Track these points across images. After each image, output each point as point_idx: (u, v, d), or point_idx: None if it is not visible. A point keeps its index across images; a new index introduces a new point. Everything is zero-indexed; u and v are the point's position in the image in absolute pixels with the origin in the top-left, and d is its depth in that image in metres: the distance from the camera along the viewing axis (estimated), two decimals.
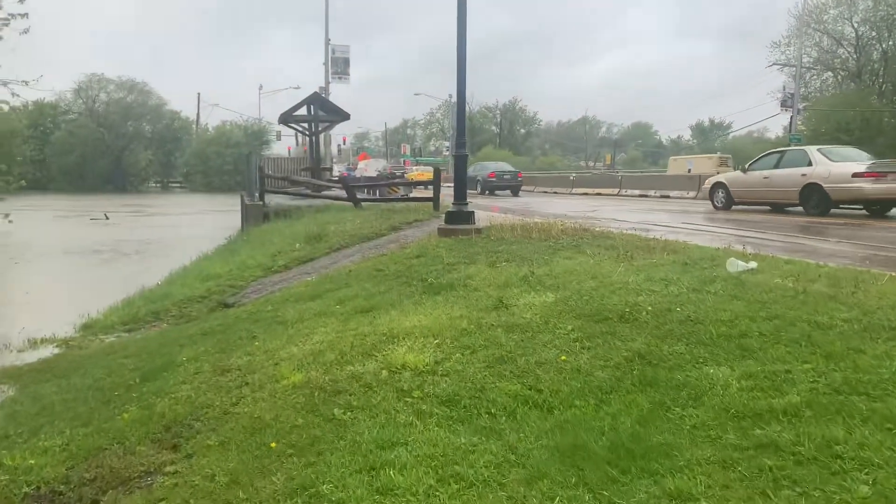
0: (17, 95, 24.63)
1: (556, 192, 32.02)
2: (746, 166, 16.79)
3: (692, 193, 25.36)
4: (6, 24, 22.82)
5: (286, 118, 21.93)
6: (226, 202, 33.26)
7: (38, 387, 6.35)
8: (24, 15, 23.39)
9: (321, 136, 31.30)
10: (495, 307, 5.51)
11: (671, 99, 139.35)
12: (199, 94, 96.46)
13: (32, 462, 4.08)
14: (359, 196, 16.56)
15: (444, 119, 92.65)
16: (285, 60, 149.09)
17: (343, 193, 16.53)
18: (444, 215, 11.82)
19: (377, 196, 18.04)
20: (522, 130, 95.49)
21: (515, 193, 30.21)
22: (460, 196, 10.14)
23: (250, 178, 17.67)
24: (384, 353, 4.77)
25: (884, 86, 47.21)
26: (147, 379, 5.64)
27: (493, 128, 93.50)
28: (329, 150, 32.85)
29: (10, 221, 24.26)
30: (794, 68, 47.84)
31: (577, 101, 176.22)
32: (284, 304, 7.45)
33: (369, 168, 64.62)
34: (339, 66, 29.44)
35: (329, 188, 17.79)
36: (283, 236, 13.20)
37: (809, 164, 14.82)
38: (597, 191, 30.26)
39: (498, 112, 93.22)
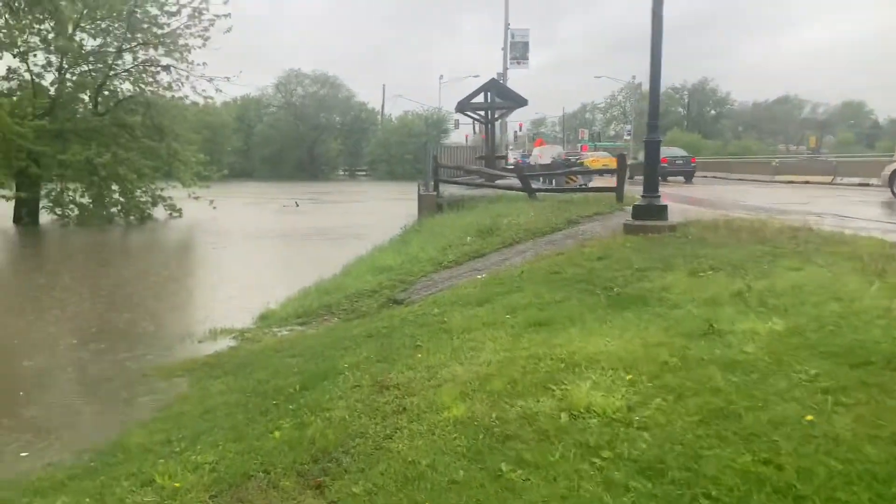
0: (220, 91, 27.09)
1: (754, 180, 28.82)
2: None
3: None
4: (211, 25, 24.93)
5: (462, 106, 21.64)
6: (405, 190, 34.01)
7: (208, 383, 6.31)
8: (227, 15, 25.58)
9: (497, 123, 30.88)
10: (704, 333, 4.42)
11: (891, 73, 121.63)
12: (384, 85, 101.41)
13: (178, 485, 3.77)
14: (533, 186, 15.72)
15: (626, 102, 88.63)
16: (468, 49, 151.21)
17: (517, 183, 15.78)
18: (629, 209, 10.66)
19: (553, 186, 17.10)
20: (713, 112, 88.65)
21: (688, 180, 28.96)
22: (651, 187, 8.93)
23: (426, 168, 17.52)
24: (563, 386, 3.92)
25: None
26: (306, 387, 5.28)
27: (681, 110, 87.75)
28: (505, 137, 32.27)
29: (214, 208, 26.65)
30: None
31: (774, 79, 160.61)
32: (451, 307, 6.84)
33: (544, 155, 63.40)
34: (517, 50, 28.68)
35: (502, 177, 17.13)
36: (454, 228, 12.75)
37: None
38: (805, 179, 26.72)
39: (686, 93, 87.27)
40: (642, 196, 9.00)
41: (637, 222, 8.80)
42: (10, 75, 23.66)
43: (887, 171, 16.79)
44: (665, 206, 8.86)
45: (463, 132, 70.77)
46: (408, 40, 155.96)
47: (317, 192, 47.38)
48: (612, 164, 48.75)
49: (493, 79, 20.98)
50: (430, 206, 16.16)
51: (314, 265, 13.38)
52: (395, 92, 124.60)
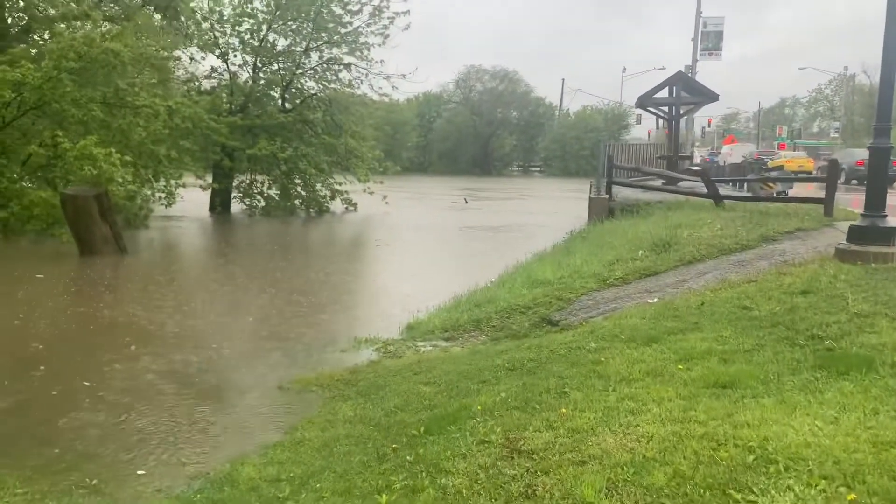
0: (397, 88, 27.54)
1: None
2: None
3: None
4: (391, 22, 25.38)
5: (644, 101, 19.94)
6: (578, 188, 32.64)
7: (338, 405, 5.86)
8: (406, 12, 25.93)
9: (683, 120, 28.49)
10: None
11: None
12: (563, 79, 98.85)
13: None
14: (722, 192, 13.92)
15: (835, 96, 79.18)
16: (655, 40, 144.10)
17: (701, 188, 14.05)
18: (840, 226, 8.86)
19: (745, 193, 15.05)
20: None
21: (891, 184, 22.88)
22: (876, 203, 7.18)
23: (599, 168, 16.25)
24: (751, 496, 2.85)
25: None
26: (430, 431, 4.59)
27: None
28: (691, 134, 29.71)
29: (386, 203, 27.26)
30: None
31: None
32: (611, 343, 5.83)
33: (734, 153, 58.51)
34: (710, 41, 26.10)
35: (684, 181, 15.41)
36: (625, 238, 11.50)
37: None
38: None
39: None
40: (863, 214, 7.27)
41: (854, 247, 7.12)
42: (212, 74, 25.79)
43: None
44: (893, 229, 7.08)
45: (645, 128, 67.29)
46: (591, 32, 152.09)
47: (489, 188, 47.33)
48: (809, 165, 43.28)
49: (681, 72, 19.05)
50: (601, 210, 14.92)
51: (472, 269, 12.84)
52: (575, 86, 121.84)
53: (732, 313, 5.93)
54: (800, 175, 33.89)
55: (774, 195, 14.01)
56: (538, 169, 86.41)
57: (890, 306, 5.24)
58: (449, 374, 6.17)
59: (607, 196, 15.33)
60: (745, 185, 16.04)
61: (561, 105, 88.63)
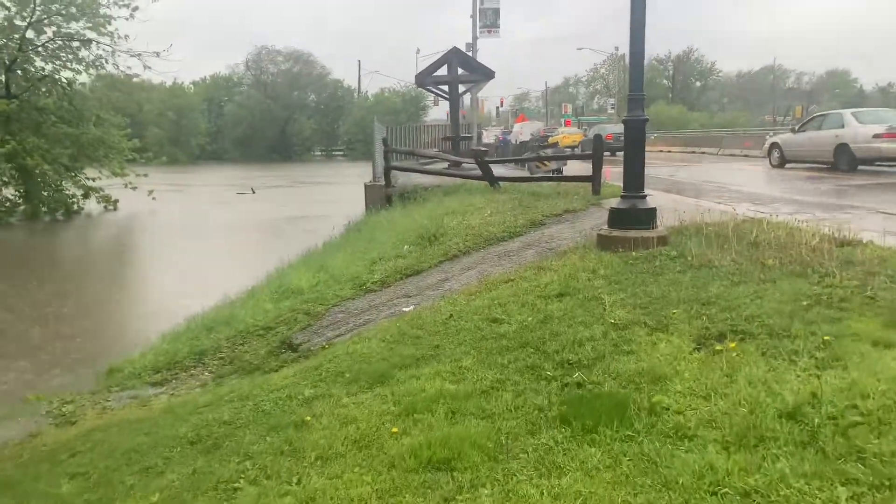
0: (150, 67, 24.24)
1: (746, 156, 26.41)
2: (797, 128, 19.48)
3: None
4: None
5: (422, 79, 18.93)
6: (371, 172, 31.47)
7: None
8: None
9: (468, 99, 28.28)
10: None
11: (877, 41, 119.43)
12: (359, 61, 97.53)
13: None
14: (504, 172, 13.29)
15: (609, 74, 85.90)
16: (450, 20, 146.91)
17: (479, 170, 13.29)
18: (607, 204, 8.30)
19: (525, 173, 14.61)
20: (698, 83, 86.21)
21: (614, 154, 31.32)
22: (634, 184, 6.51)
23: (374, 152, 14.90)
24: None
25: None
26: None
27: (665, 82, 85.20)
28: (476, 113, 29.68)
29: (153, 198, 24.00)
30: None
31: (762, 49, 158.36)
32: (331, 386, 4.45)
33: (524, 131, 60.75)
34: (488, 18, 25.93)
35: (464, 163, 14.62)
36: (394, 231, 10.31)
37: (842, 126, 16.55)
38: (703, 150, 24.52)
39: (670, 64, 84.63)
40: (622, 196, 6.58)
41: (615, 232, 6.40)
42: None
43: (767, 144, 20.25)
44: (653, 210, 6.46)
45: (444, 109, 67.85)
46: (385, 13, 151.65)
47: (284, 175, 44.67)
48: (580, 139, 46.52)
49: (456, 47, 18.25)
50: (378, 198, 13.67)
51: (232, 275, 10.97)
52: (372, 68, 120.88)
53: (479, 330, 4.81)
54: (574, 151, 36.82)
55: (551, 174, 13.62)
56: (341, 153, 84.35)
57: (648, 311, 4.38)
58: (113, 453, 4.42)
59: (383, 183, 14.08)
60: (527, 165, 15.69)
61: (360, 88, 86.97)
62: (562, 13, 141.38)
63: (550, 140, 49.21)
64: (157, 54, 21.81)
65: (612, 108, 75.99)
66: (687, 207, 8.71)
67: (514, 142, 64.19)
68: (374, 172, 14.48)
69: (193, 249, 15.77)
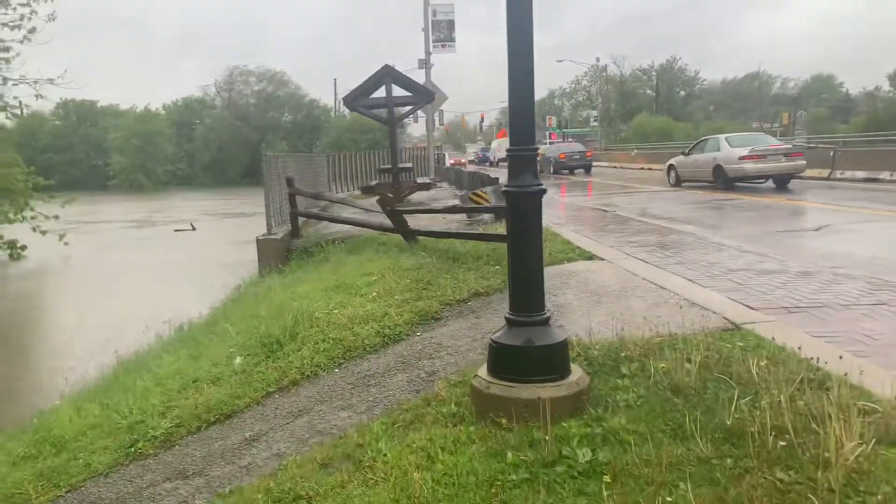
0: (42, 97, 21.52)
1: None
2: (687, 151, 21.30)
3: None
4: (32, 13, 19.43)
5: (352, 102, 16.19)
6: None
7: None
8: None
9: (425, 118, 25.70)
10: None
11: (863, 44, 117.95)
12: (335, 79, 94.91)
13: None
14: (422, 221, 10.62)
15: (592, 86, 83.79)
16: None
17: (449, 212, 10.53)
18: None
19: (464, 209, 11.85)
20: (682, 93, 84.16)
21: (588, 171, 34.09)
22: (527, 297, 3.81)
23: (266, 193, 11.95)
24: None
25: None
26: None
27: (650, 92, 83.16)
28: (431, 136, 27.06)
29: (65, 244, 21.26)
30: None
31: (748, 55, 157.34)
32: None
33: (502, 148, 58.45)
34: (442, 31, 23.37)
35: (369, 211, 11.87)
36: (251, 320, 7.57)
37: (718, 149, 19.02)
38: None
39: (654, 74, 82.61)
40: (509, 320, 3.85)
41: (495, 387, 3.70)
42: None
43: (666, 165, 22.28)
44: (562, 347, 3.76)
45: (423, 125, 65.44)
46: (362, 29, 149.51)
47: (246, 202, 41.84)
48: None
49: (388, 66, 15.47)
50: (274, 255, 10.91)
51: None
52: (349, 86, 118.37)
53: None
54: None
55: (492, 210, 10.82)
56: None
57: None
58: None
59: (287, 233, 11.32)
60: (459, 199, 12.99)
61: (336, 106, 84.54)
62: (555, 27, 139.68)
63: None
64: (52, 81, 19.12)
65: (595, 119, 73.73)
66: (639, 288, 6.05)
67: (492, 159, 61.82)
68: (267, 221, 11.70)
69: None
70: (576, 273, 7.33)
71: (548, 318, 3.82)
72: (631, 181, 25.79)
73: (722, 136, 20.08)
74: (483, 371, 3.91)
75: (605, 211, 14.48)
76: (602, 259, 8.04)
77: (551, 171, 34.38)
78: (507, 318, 3.85)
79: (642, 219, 12.65)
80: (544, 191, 3.82)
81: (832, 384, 3.41)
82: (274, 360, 5.99)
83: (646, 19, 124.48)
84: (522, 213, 3.79)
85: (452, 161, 45.30)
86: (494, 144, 63.61)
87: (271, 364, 5.88)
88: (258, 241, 11.26)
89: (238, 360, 6.16)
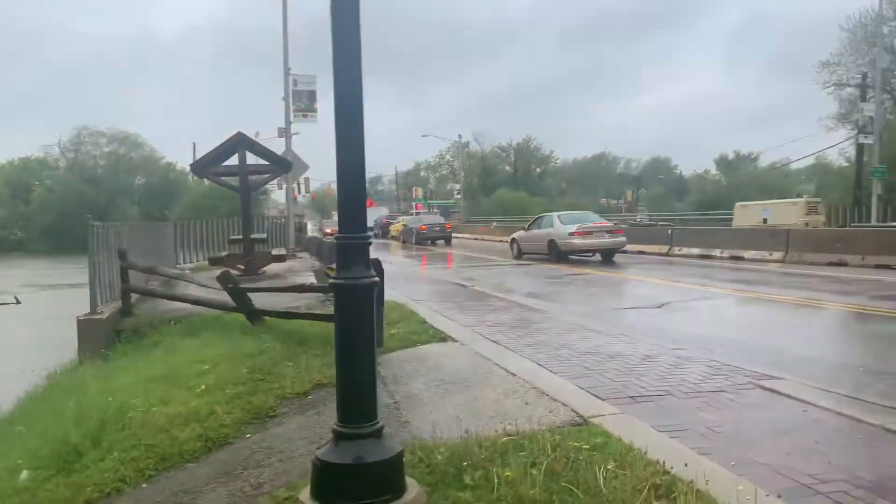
0: None
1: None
2: (528, 226, 22.78)
3: (777, 254, 18.40)
4: None
5: (201, 169, 15.31)
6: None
7: None
8: None
9: (284, 187, 24.99)
10: None
11: (699, 132, 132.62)
12: (193, 143, 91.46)
13: None
14: (269, 299, 9.91)
15: (455, 160, 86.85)
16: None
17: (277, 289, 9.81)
18: (382, 374, 5.15)
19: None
20: (538, 170, 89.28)
21: (448, 243, 35.46)
22: (356, 405, 3.35)
23: (91, 265, 10.70)
24: None
25: None
26: None
27: (508, 168, 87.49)
28: (292, 206, 26.41)
29: None
30: (853, 90, 41.06)
31: (600, 138, 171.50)
32: None
33: (368, 218, 57.92)
34: (302, 101, 23.13)
35: (214, 287, 11.01)
36: (57, 419, 6.49)
37: (552, 225, 20.83)
38: (638, 248, 23.37)
39: (512, 151, 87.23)
40: (336, 432, 3.36)
41: None
42: None
43: (509, 239, 24.27)
44: (396, 462, 3.32)
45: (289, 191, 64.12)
46: (229, 94, 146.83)
47: (85, 271, 38.31)
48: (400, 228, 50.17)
49: (241, 133, 14.86)
50: (99, 338, 9.69)
51: None
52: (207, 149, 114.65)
53: None
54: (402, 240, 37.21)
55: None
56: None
57: None
58: None
59: (103, 314, 10.10)
60: (319, 276, 12.45)
61: None
62: (423, 104, 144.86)
63: (393, 227, 47.22)
64: None
65: (458, 192, 76.00)
66: (490, 375, 5.75)
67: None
68: (91, 299, 10.45)
69: None
70: (428, 357, 6.98)
71: (381, 428, 3.38)
72: (490, 253, 26.39)
73: (555, 214, 22.02)
74: (306, 494, 3.37)
75: (464, 286, 14.45)
76: (456, 341, 7.77)
77: (413, 241, 35.87)
78: (334, 430, 3.37)
79: (499, 294, 12.69)
80: (377, 282, 3.45)
81: (678, 493, 3.21)
82: (68, 473, 5.04)
83: (508, 101, 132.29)
84: (353, 308, 3.37)
85: (328, 230, 44.56)
86: None
87: (64, 479, 4.94)
88: (79, 321, 9.94)
89: (25, 473, 5.13)
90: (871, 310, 9.86)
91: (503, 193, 73.00)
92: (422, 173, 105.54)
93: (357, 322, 3.31)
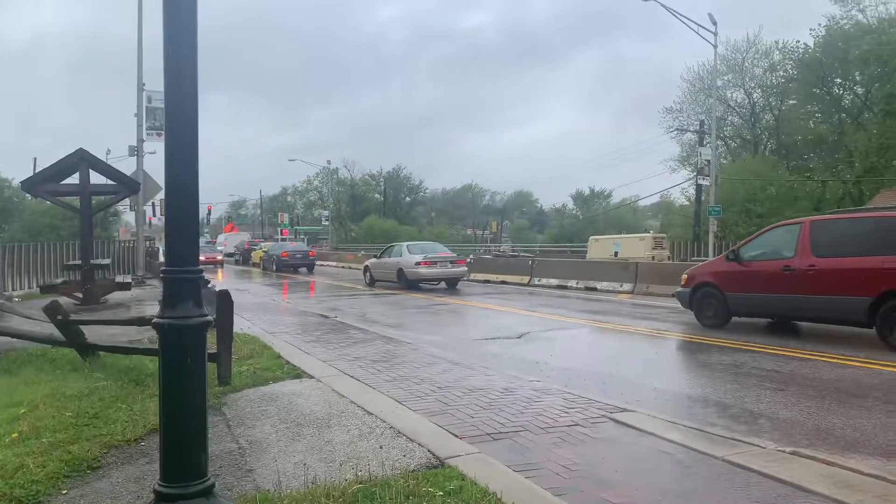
0: None
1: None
2: (380, 254, 24.01)
3: (627, 286, 19.50)
4: None
5: (35, 187, 13.76)
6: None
7: None
8: None
9: (135, 209, 23.31)
10: None
11: (559, 169, 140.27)
12: (35, 158, 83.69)
13: None
14: (96, 336, 8.98)
15: (323, 186, 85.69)
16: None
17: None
18: (229, 415, 4.76)
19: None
20: (408, 198, 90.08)
21: (311, 270, 35.22)
22: (178, 465, 2.98)
23: None
24: None
25: (773, 151, 45.62)
26: None
27: (378, 196, 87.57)
28: (142, 229, 24.63)
29: None
30: (693, 135, 45.13)
31: (468, 170, 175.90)
32: None
33: (229, 242, 55.68)
34: (157, 118, 21.71)
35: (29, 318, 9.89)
36: None
37: (401, 255, 22.07)
38: (501, 278, 23.96)
39: (382, 180, 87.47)
40: (157, 497, 2.98)
41: None
42: None
43: (361, 266, 25.82)
44: None
45: (146, 215, 59.97)
46: (80, 109, 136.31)
47: None
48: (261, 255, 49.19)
49: (83, 150, 13.54)
50: None
51: None
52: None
53: None
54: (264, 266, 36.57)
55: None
56: None
57: None
58: None
59: None
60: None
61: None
62: (295, 127, 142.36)
63: (254, 254, 45.42)
64: None
65: (326, 219, 74.88)
66: (345, 415, 5.44)
67: (219, 252, 58.26)
68: None
69: None
70: (279, 397, 6.56)
71: (211, 486, 3.02)
72: (356, 282, 25.98)
73: (404, 244, 23.53)
74: None
75: (326, 317, 14.00)
76: (312, 377, 7.40)
77: (274, 269, 35.31)
78: (155, 491, 2.96)
79: (361, 325, 12.39)
80: (209, 323, 3.10)
81: None
82: None
83: (381, 130, 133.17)
84: (181, 351, 3.00)
85: (204, 258, 41.82)
86: (221, 238, 61.09)
87: None
88: None
89: None
90: (708, 340, 10.58)
91: (373, 220, 72.87)
92: (289, 198, 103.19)
93: (183, 369, 2.94)
